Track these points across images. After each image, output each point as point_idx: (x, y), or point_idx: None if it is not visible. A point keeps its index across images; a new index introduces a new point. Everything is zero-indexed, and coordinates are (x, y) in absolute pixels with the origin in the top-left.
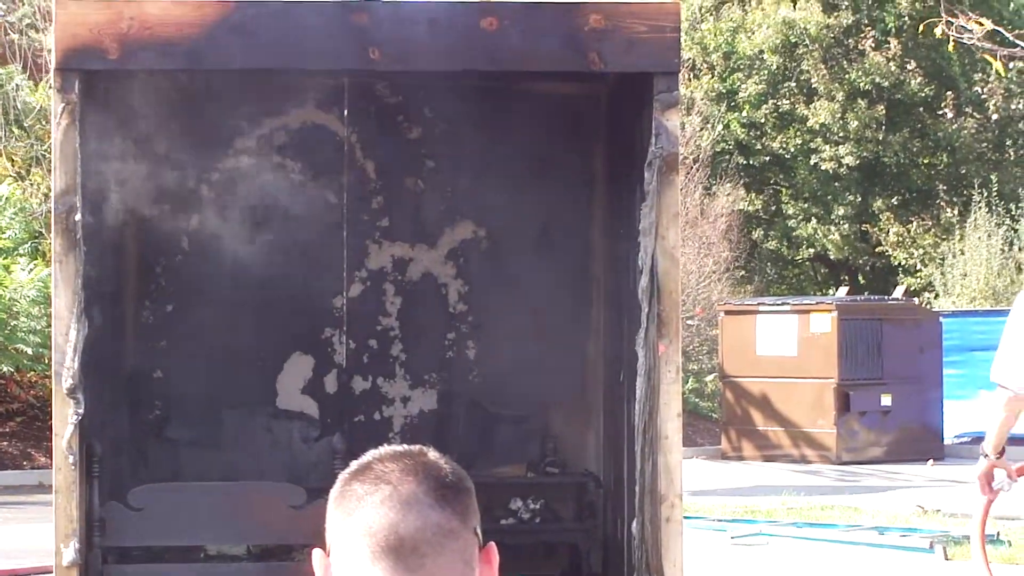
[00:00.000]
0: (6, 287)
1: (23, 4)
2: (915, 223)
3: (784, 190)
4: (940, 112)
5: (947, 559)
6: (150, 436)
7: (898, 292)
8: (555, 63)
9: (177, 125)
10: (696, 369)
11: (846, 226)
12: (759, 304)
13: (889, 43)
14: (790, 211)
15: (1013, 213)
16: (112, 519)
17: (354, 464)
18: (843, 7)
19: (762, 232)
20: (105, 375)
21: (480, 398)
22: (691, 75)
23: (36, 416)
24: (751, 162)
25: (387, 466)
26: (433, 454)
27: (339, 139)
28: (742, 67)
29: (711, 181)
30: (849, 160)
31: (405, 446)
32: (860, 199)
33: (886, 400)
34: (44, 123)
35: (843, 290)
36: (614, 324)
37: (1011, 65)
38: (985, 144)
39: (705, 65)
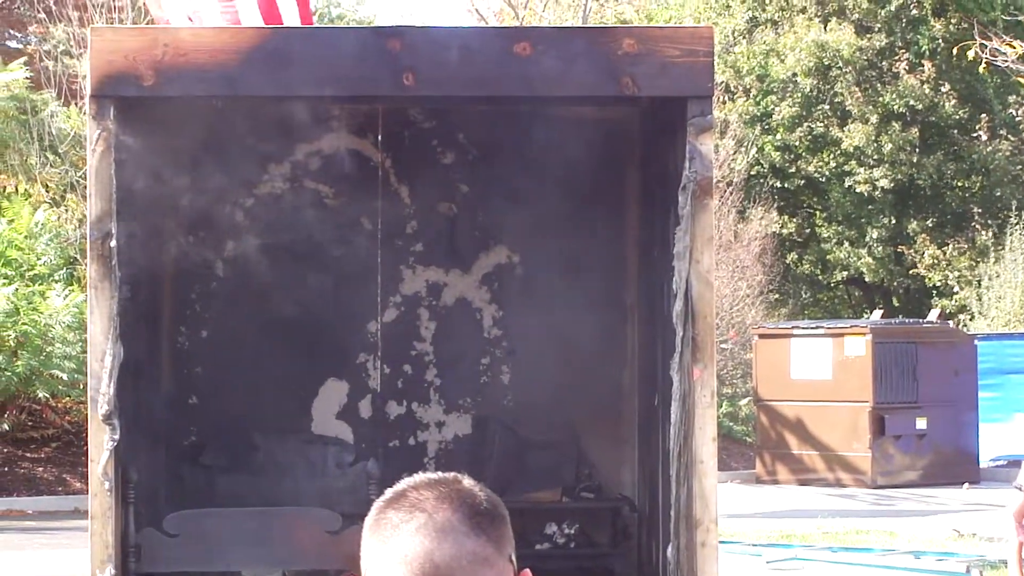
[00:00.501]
0: (41, 313)
1: (57, 30)
2: (950, 245)
3: (818, 213)
4: (974, 134)
5: None
6: (186, 462)
7: (933, 315)
8: (588, 88)
9: (211, 151)
10: (730, 393)
11: (880, 249)
12: (793, 327)
13: (923, 65)
14: (824, 234)
15: None
16: (148, 545)
17: (389, 492)
18: (876, 29)
19: (796, 255)
20: (141, 401)
21: (515, 423)
22: (725, 98)
23: (71, 442)
24: (785, 185)
25: (422, 494)
26: (468, 482)
27: (373, 164)
28: (775, 90)
29: (745, 204)
30: (884, 183)
31: (439, 474)
32: (894, 221)
33: (921, 423)
34: (79, 149)
35: (877, 313)
36: (648, 348)
37: None
38: (1020, 167)
39: (739, 88)
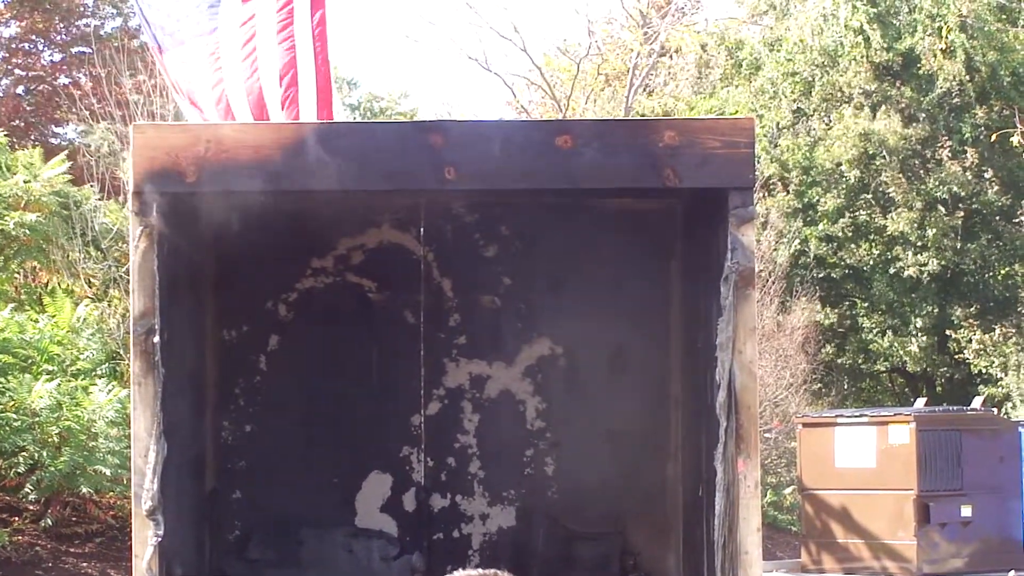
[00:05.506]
0: (84, 408)
1: (99, 128)
2: (996, 331)
3: (859, 302)
4: (1017, 220)
5: None
6: (230, 557)
7: (976, 402)
8: (630, 180)
9: (254, 246)
10: (774, 482)
11: (924, 338)
12: (837, 416)
13: (966, 152)
14: (866, 324)
15: None
16: None
17: None
18: (922, 119)
19: (835, 346)
20: (185, 496)
21: (559, 515)
22: (764, 193)
23: (115, 537)
24: (828, 274)
25: None
26: None
27: (415, 258)
28: (820, 180)
29: (787, 295)
30: (932, 266)
31: (480, 570)
32: (937, 310)
33: (966, 511)
34: (121, 244)
35: (921, 401)
36: (692, 439)
37: None
38: None
39: (779, 184)
